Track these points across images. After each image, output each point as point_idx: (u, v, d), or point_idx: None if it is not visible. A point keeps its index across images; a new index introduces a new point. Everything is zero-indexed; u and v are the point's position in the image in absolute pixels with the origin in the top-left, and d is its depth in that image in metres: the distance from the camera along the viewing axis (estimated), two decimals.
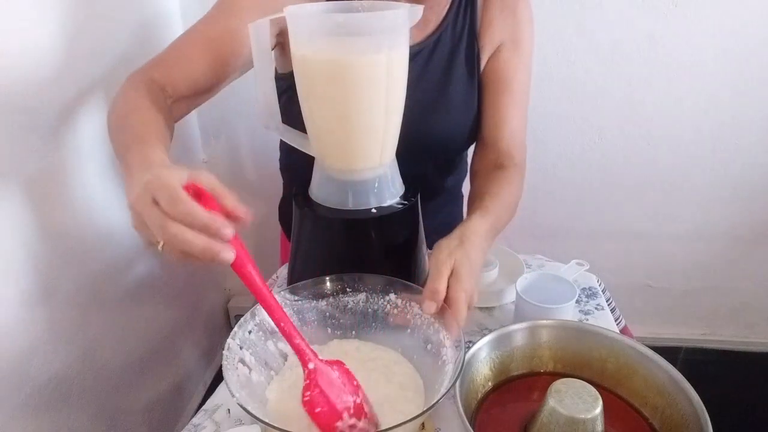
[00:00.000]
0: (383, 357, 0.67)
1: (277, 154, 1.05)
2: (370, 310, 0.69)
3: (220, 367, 0.57)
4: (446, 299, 0.62)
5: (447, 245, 0.67)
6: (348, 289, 0.69)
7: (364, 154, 0.69)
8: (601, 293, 0.91)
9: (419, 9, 0.61)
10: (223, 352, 0.58)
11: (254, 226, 1.58)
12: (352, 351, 0.68)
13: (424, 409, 0.52)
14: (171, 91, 0.71)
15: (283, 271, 0.97)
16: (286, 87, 0.82)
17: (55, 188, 0.90)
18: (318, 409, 0.55)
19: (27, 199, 0.83)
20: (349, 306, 0.70)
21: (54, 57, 0.86)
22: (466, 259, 0.65)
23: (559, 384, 0.57)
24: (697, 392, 0.58)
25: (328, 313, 0.70)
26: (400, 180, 0.76)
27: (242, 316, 0.63)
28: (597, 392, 0.56)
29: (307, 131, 0.71)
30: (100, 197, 1.00)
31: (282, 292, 0.68)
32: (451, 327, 0.61)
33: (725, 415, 0.75)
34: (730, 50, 1.29)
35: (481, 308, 0.85)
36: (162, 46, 0.75)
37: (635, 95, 1.36)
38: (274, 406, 0.60)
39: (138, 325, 1.17)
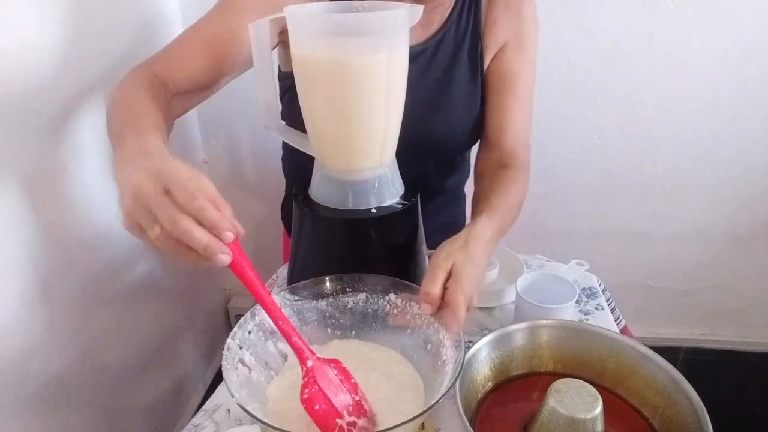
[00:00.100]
0: (383, 357, 0.67)
1: (278, 154, 1.05)
2: (370, 310, 0.69)
3: (220, 367, 0.57)
4: (445, 301, 0.62)
5: (449, 247, 0.66)
6: (348, 289, 0.69)
7: (364, 154, 0.69)
8: (601, 293, 0.91)
9: (419, 9, 0.61)
10: (223, 352, 0.58)
11: (255, 226, 1.58)
12: (352, 351, 0.68)
13: (424, 409, 0.52)
14: (171, 86, 0.72)
15: (283, 271, 0.97)
16: (289, 85, 0.82)
17: (55, 188, 0.90)
18: (317, 407, 0.55)
19: (27, 199, 0.83)
20: (349, 306, 0.70)
21: (54, 57, 0.86)
22: (469, 260, 0.64)
23: (559, 384, 0.57)
24: (697, 392, 0.58)
25: (328, 313, 0.70)
26: (400, 180, 0.76)
27: (242, 316, 0.63)
28: (597, 392, 0.56)
29: (307, 131, 0.71)
30: (100, 197, 1.00)
31: (282, 292, 0.68)
32: (451, 327, 0.61)
33: (725, 415, 0.75)
34: (730, 50, 1.29)
35: (481, 308, 0.85)
36: (162, 46, 0.75)
37: (635, 95, 1.36)
38: (273, 407, 0.60)
39: (138, 325, 1.17)
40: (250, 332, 0.62)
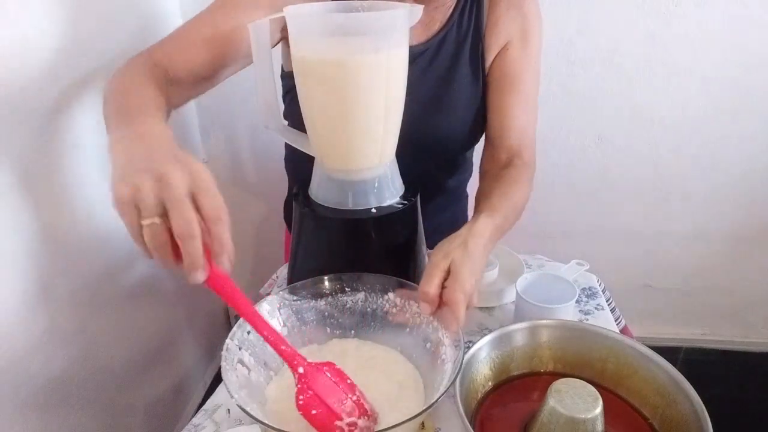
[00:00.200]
0: (383, 356, 0.68)
1: (279, 154, 1.05)
2: (369, 309, 0.69)
3: (220, 367, 0.57)
4: (445, 300, 0.62)
5: (447, 246, 0.66)
6: (347, 289, 0.69)
7: (364, 154, 0.69)
8: (601, 293, 0.91)
9: (419, 9, 0.61)
10: (222, 353, 0.58)
11: (255, 226, 1.58)
12: (352, 350, 0.68)
13: (424, 407, 0.52)
14: (171, 75, 0.72)
15: (283, 271, 0.97)
16: (292, 85, 0.82)
17: (55, 188, 0.90)
18: (314, 412, 0.55)
19: (27, 199, 0.83)
20: (348, 305, 0.70)
21: (53, 57, 0.86)
22: (468, 258, 0.64)
23: (559, 384, 0.57)
24: (697, 392, 0.58)
25: (327, 313, 0.70)
26: (400, 180, 0.76)
27: None
28: (597, 392, 0.56)
29: (307, 131, 0.71)
30: (100, 197, 0.99)
31: (281, 292, 0.68)
32: (450, 326, 0.61)
33: (725, 415, 0.75)
34: (731, 50, 1.29)
35: (481, 308, 0.85)
36: None
37: (635, 95, 1.36)
38: (273, 407, 0.60)
39: (138, 325, 1.17)
40: (249, 333, 0.62)
